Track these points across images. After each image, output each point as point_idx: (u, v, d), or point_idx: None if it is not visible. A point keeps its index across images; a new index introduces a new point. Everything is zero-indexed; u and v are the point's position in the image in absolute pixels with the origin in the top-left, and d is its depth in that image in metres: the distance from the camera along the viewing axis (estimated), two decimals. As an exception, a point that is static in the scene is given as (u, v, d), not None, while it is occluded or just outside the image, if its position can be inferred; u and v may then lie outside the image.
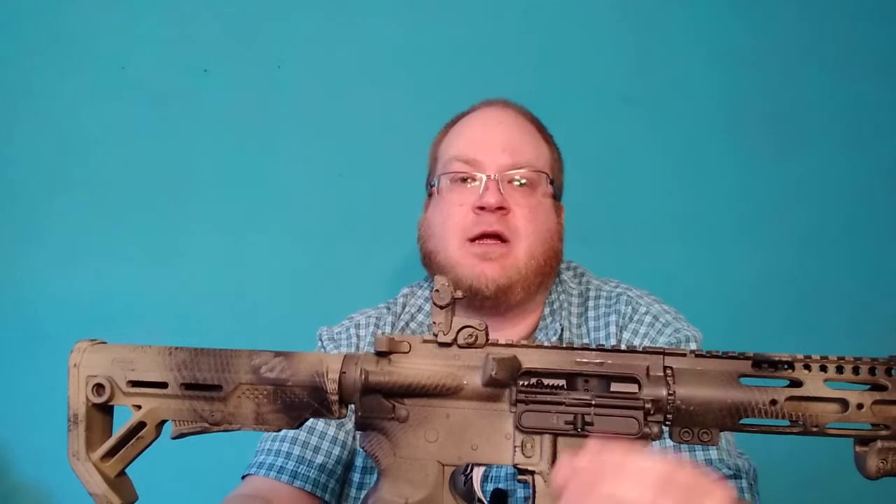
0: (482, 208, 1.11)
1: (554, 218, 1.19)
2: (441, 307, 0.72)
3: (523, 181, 1.15)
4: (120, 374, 0.68)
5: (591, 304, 1.21)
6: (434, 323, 0.73)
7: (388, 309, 1.25)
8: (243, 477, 1.09)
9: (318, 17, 1.83)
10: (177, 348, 0.70)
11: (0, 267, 1.72)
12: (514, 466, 0.71)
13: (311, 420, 1.07)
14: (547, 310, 1.19)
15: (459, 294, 0.73)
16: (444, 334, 0.72)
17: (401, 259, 1.68)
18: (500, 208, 1.11)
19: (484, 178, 1.13)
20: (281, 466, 1.07)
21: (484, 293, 1.10)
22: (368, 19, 1.83)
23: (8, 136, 1.75)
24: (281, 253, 1.77)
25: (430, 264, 1.17)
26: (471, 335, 0.73)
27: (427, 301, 1.24)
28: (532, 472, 0.71)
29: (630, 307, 1.17)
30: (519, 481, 0.72)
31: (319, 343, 1.22)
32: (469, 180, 1.14)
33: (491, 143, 1.16)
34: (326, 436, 1.11)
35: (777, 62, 1.87)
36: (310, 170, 1.80)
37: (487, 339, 0.73)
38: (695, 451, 1.04)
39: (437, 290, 0.72)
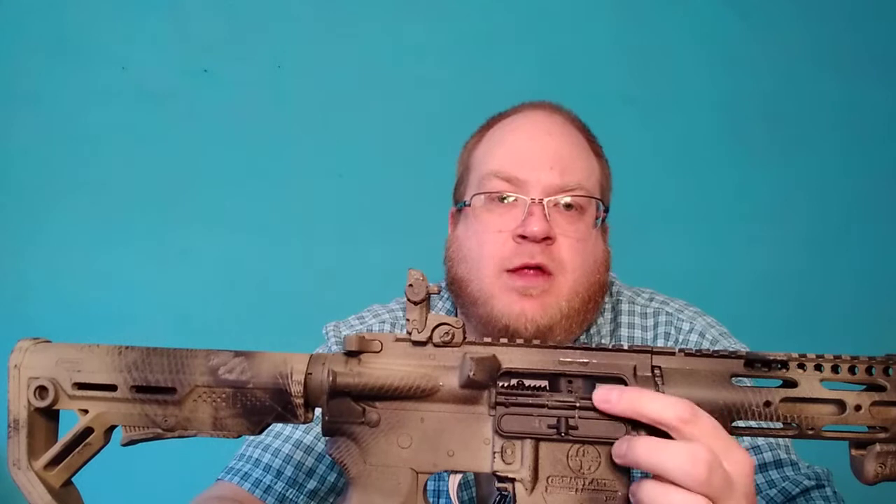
0: (524, 237, 0.91)
1: (601, 246, 0.99)
2: (415, 303, 0.62)
3: (570, 202, 0.94)
4: (65, 376, 0.58)
5: (624, 318, 1.03)
6: (407, 320, 0.63)
7: (405, 311, 1.10)
8: (217, 480, 0.94)
9: (318, 18, 1.78)
10: (127, 347, 0.60)
11: (1, 267, 1.67)
12: (494, 474, 0.61)
13: (310, 439, 0.95)
14: (583, 336, 1.01)
15: (435, 289, 0.64)
16: (419, 332, 0.62)
17: (401, 258, 1.61)
18: (546, 238, 0.91)
19: (528, 202, 0.92)
20: (268, 486, 0.92)
21: (522, 334, 0.90)
22: (368, 20, 1.78)
23: (8, 136, 1.69)
24: (280, 252, 1.72)
25: (460, 292, 0.97)
26: (447, 333, 0.62)
27: (448, 314, 1.04)
28: (512, 480, 0.61)
29: (672, 327, 1.00)
30: (498, 489, 0.63)
31: (326, 341, 1.07)
32: (507, 198, 0.94)
33: (537, 159, 0.95)
34: (324, 459, 0.96)
35: (777, 63, 1.81)
36: (310, 170, 1.75)
37: (465, 338, 0.63)
38: (768, 470, 0.90)
39: (410, 285, 0.62)
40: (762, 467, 0.91)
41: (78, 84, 1.71)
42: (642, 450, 0.57)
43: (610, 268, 1.01)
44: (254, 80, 1.76)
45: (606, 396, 0.59)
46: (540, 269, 0.92)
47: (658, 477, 0.56)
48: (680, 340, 0.99)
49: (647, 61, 1.80)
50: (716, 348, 0.96)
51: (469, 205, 0.98)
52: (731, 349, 0.96)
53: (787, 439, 0.92)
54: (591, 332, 1.03)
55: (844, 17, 1.83)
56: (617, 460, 0.59)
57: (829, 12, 1.83)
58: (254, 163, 1.75)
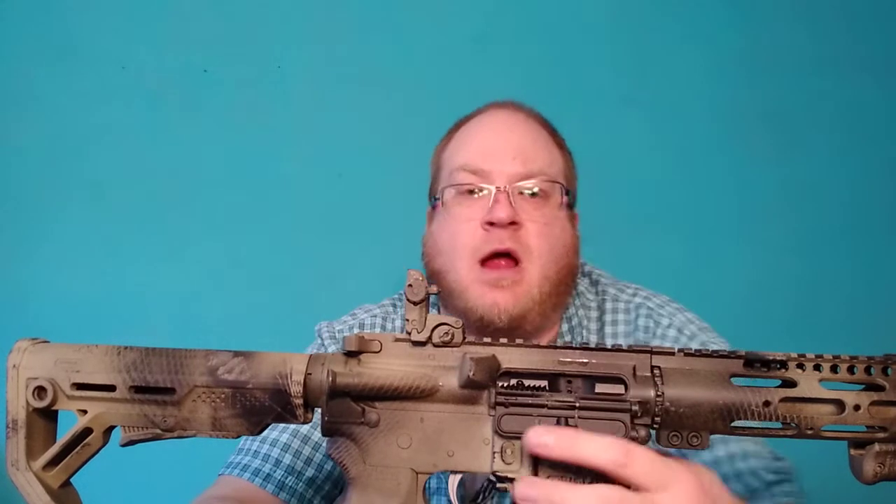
0: (492, 224, 0.95)
1: (569, 231, 1.02)
2: (414, 303, 0.62)
3: (535, 191, 0.98)
4: (63, 376, 0.58)
5: (608, 317, 1.05)
6: (407, 320, 0.62)
7: (395, 307, 1.12)
8: (219, 475, 0.95)
9: (318, 17, 1.76)
10: (126, 348, 0.59)
11: (1, 267, 1.67)
12: (493, 474, 0.61)
13: (307, 429, 0.96)
14: (565, 326, 1.04)
15: (434, 289, 0.63)
16: (418, 332, 0.62)
17: (400, 258, 1.61)
18: (512, 223, 0.95)
19: (493, 190, 0.97)
20: (268, 474, 0.94)
21: (496, 324, 0.94)
22: (368, 20, 1.77)
23: (8, 136, 1.68)
24: (281, 252, 1.71)
25: (440, 285, 0.99)
26: (446, 333, 0.62)
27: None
28: (512, 480, 0.60)
29: (651, 321, 1.03)
30: (498, 490, 0.63)
31: (318, 339, 1.08)
32: (476, 192, 0.98)
33: (500, 151, 0.99)
34: (321, 448, 0.97)
35: (776, 63, 1.80)
36: (309, 170, 1.75)
37: (464, 338, 0.63)
38: (735, 461, 0.92)
39: (409, 285, 0.62)
40: (731, 458, 0.92)
41: (78, 84, 1.69)
42: (545, 493, 0.57)
43: (579, 251, 1.05)
44: (254, 80, 1.75)
45: (543, 441, 0.59)
46: (509, 257, 0.95)
47: None
48: (658, 334, 1.02)
49: (647, 62, 1.79)
50: (693, 343, 0.99)
51: (440, 199, 1.02)
52: (709, 344, 0.98)
53: None
54: (574, 323, 1.05)
55: (843, 18, 1.83)
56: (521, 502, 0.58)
57: (827, 13, 1.83)
58: (253, 162, 1.74)
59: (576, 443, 0.58)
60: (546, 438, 0.58)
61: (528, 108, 1.08)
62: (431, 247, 1.03)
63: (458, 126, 1.08)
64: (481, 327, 0.95)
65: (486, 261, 0.96)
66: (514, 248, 0.95)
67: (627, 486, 0.57)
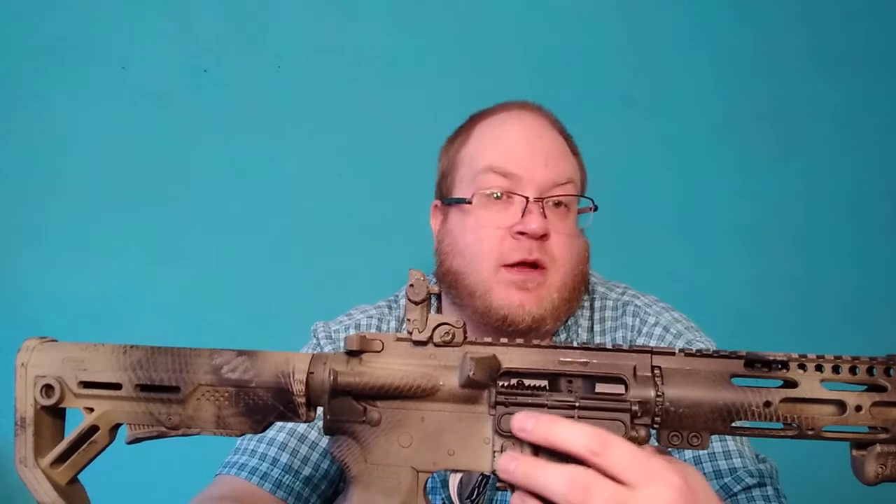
0: (522, 234, 0.97)
1: (583, 241, 1.06)
2: (416, 303, 0.63)
3: (560, 202, 1.01)
4: (71, 375, 0.60)
5: (597, 315, 1.09)
6: (408, 320, 0.64)
7: (390, 309, 1.13)
8: (216, 475, 0.97)
9: (318, 17, 1.78)
10: (132, 346, 0.61)
11: (1, 267, 1.68)
12: (493, 473, 0.62)
13: (304, 428, 0.98)
14: (561, 327, 1.07)
15: (435, 289, 0.65)
16: (419, 332, 0.64)
17: (400, 259, 1.62)
18: (543, 235, 0.97)
19: (525, 201, 0.98)
20: (265, 472, 0.95)
21: (518, 325, 0.96)
22: (368, 20, 1.78)
23: (8, 136, 1.69)
24: (280, 253, 1.72)
25: (455, 284, 1.01)
26: (447, 333, 0.64)
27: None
28: (512, 480, 0.63)
29: (638, 319, 1.05)
30: (499, 489, 0.64)
31: (314, 339, 1.10)
32: (505, 196, 0.99)
33: (531, 156, 1.00)
34: (317, 447, 0.99)
35: (777, 63, 1.81)
36: (309, 170, 1.76)
37: (465, 338, 0.64)
38: (716, 460, 0.94)
39: (411, 285, 0.64)
40: (712, 456, 0.94)
41: (78, 84, 1.71)
42: (521, 470, 0.58)
43: (589, 258, 1.07)
44: (254, 80, 1.76)
45: (523, 425, 0.60)
46: (535, 266, 0.98)
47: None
48: (644, 332, 1.04)
49: (648, 62, 1.80)
50: (680, 341, 1.01)
51: (469, 202, 1.02)
52: (696, 343, 0.99)
53: None
54: (569, 322, 1.07)
55: (844, 19, 1.84)
56: (502, 475, 0.59)
57: (829, 13, 1.84)
58: (253, 162, 1.75)
59: (553, 427, 0.58)
60: (527, 423, 0.59)
61: (547, 111, 1.09)
62: (450, 245, 1.04)
63: (474, 122, 1.09)
64: (502, 327, 0.97)
65: (511, 266, 0.98)
66: (541, 258, 0.98)
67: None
